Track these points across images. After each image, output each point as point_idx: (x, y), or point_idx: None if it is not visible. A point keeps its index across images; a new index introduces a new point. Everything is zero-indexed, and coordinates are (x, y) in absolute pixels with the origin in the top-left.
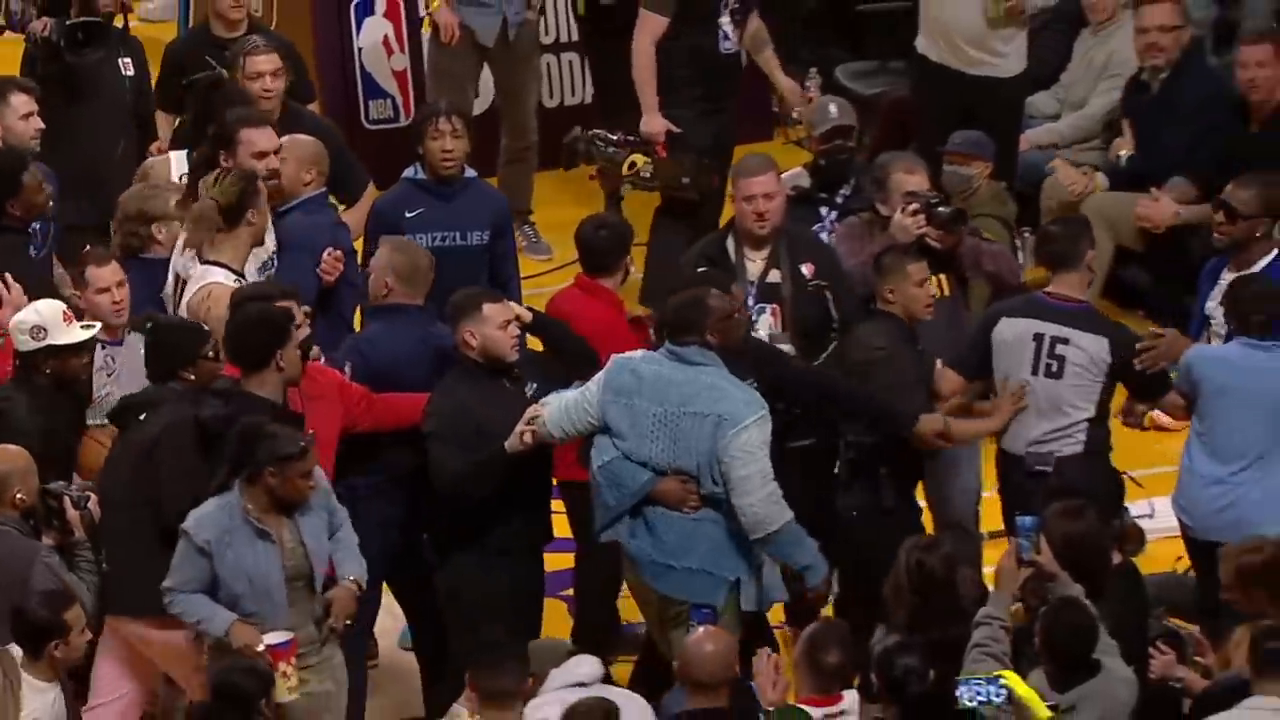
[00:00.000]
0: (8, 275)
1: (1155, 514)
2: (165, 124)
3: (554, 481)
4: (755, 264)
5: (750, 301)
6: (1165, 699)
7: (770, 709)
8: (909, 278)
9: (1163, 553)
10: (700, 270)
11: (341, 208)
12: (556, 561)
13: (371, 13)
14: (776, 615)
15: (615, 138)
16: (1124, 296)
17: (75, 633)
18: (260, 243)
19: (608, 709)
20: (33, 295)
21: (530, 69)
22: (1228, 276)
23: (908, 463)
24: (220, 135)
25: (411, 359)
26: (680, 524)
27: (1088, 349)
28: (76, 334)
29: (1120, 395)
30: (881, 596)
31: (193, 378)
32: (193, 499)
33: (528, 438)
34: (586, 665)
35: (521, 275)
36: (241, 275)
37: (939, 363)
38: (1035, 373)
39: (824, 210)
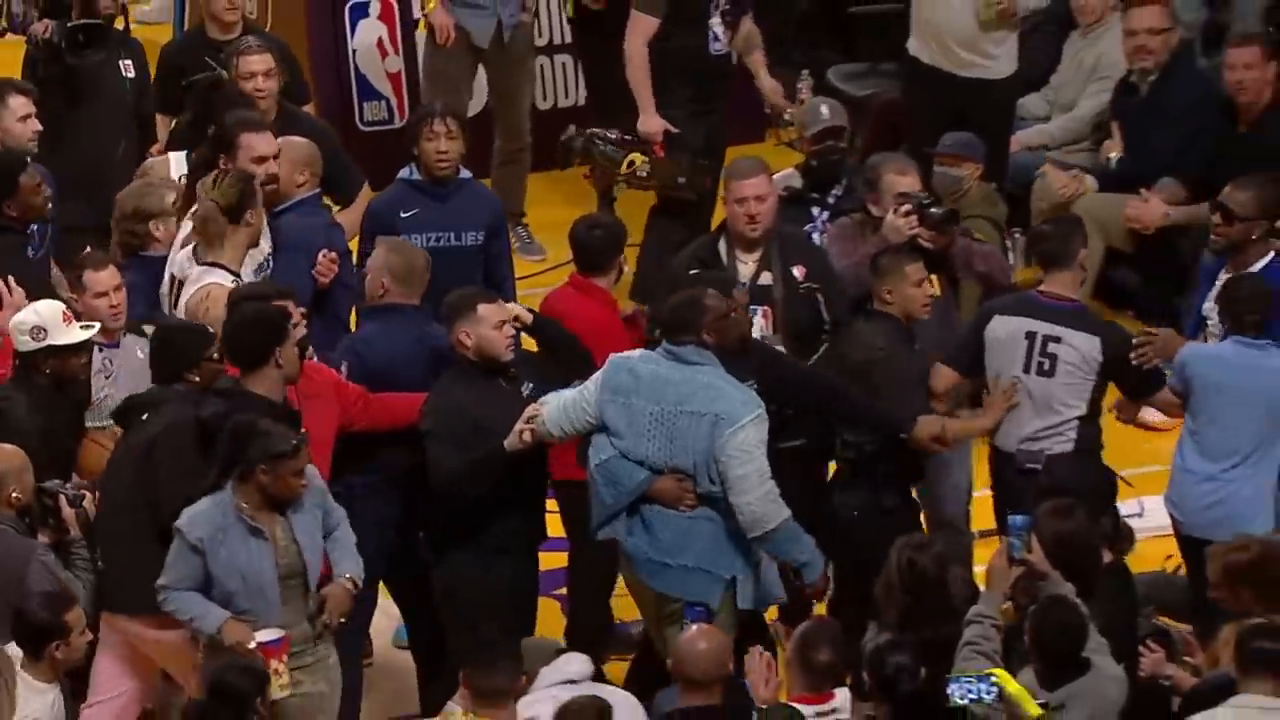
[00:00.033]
0: (11, 279)
1: (1145, 513)
2: (164, 126)
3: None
4: (747, 266)
5: None
6: (1155, 697)
7: (763, 707)
8: (907, 278)
9: (1152, 552)
10: (704, 273)
11: (336, 208)
12: (550, 560)
13: (366, 15)
14: (770, 613)
15: (613, 136)
16: (1114, 297)
17: (75, 634)
18: (255, 244)
19: (601, 707)
20: (31, 296)
21: (525, 71)
22: (1225, 278)
23: (907, 463)
24: (220, 138)
25: (408, 359)
26: (676, 522)
27: (1080, 347)
28: (76, 334)
29: (1113, 394)
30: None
31: (197, 379)
32: (190, 500)
33: (527, 436)
34: (576, 663)
35: (516, 276)
36: (238, 276)
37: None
38: (1027, 371)
39: (816, 210)
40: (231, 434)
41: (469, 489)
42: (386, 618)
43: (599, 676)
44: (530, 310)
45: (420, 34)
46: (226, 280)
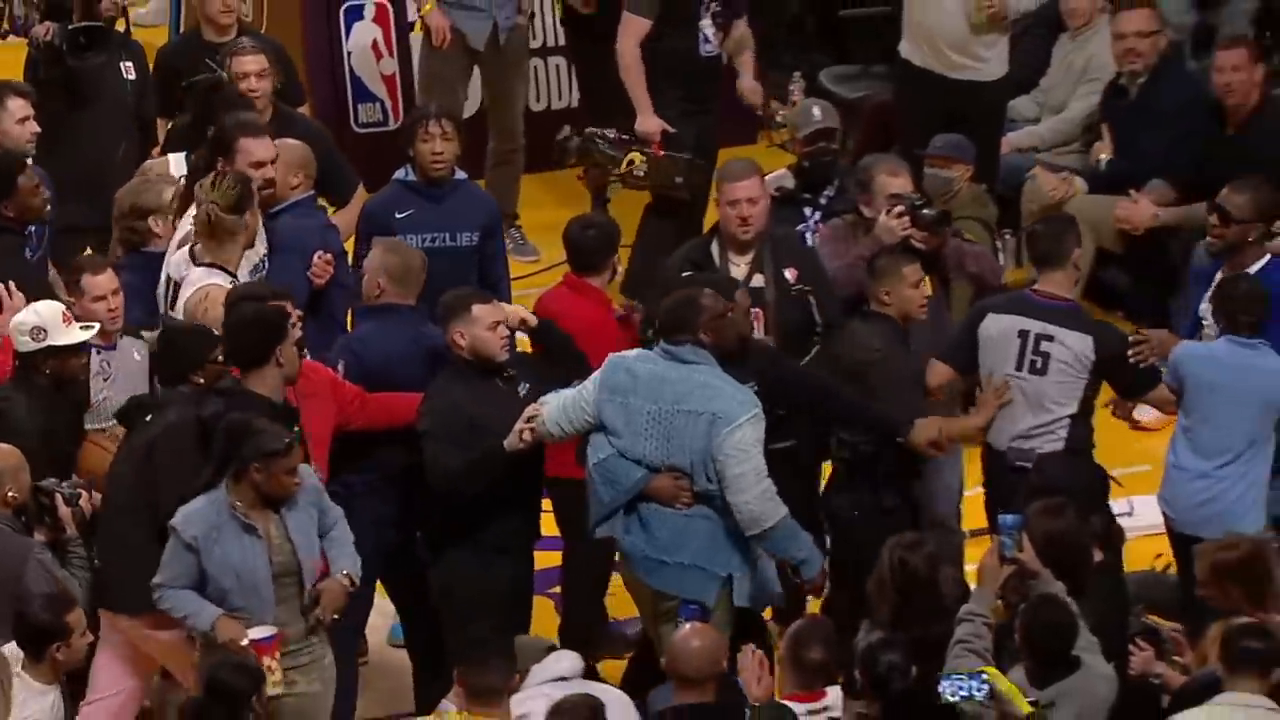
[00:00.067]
0: (12, 284)
1: (1134, 512)
2: (163, 129)
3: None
4: (740, 268)
5: None
6: (1145, 695)
7: (755, 704)
8: (905, 280)
9: (1142, 550)
10: (708, 275)
11: (331, 209)
12: (544, 559)
13: (361, 18)
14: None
15: (611, 136)
16: (1104, 297)
17: (77, 635)
18: (251, 245)
19: (593, 705)
20: (30, 297)
21: (520, 73)
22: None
23: (905, 462)
24: (218, 141)
25: (404, 358)
26: (673, 520)
27: (1072, 346)
28: (76, 335)
29: (1108, 391)
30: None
31: (201, 381)
32: (188, 500)
33: (527, 436)
34: (567, 660)
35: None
36: (235, 277)
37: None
38: (1019, 369)
39: (808, 211)
40: (225, 432)
41: (467, 487)
42: (381, 616)
43: (591, 674)
44: (540, 319)
45: (415, 36)
46: (225, 281)
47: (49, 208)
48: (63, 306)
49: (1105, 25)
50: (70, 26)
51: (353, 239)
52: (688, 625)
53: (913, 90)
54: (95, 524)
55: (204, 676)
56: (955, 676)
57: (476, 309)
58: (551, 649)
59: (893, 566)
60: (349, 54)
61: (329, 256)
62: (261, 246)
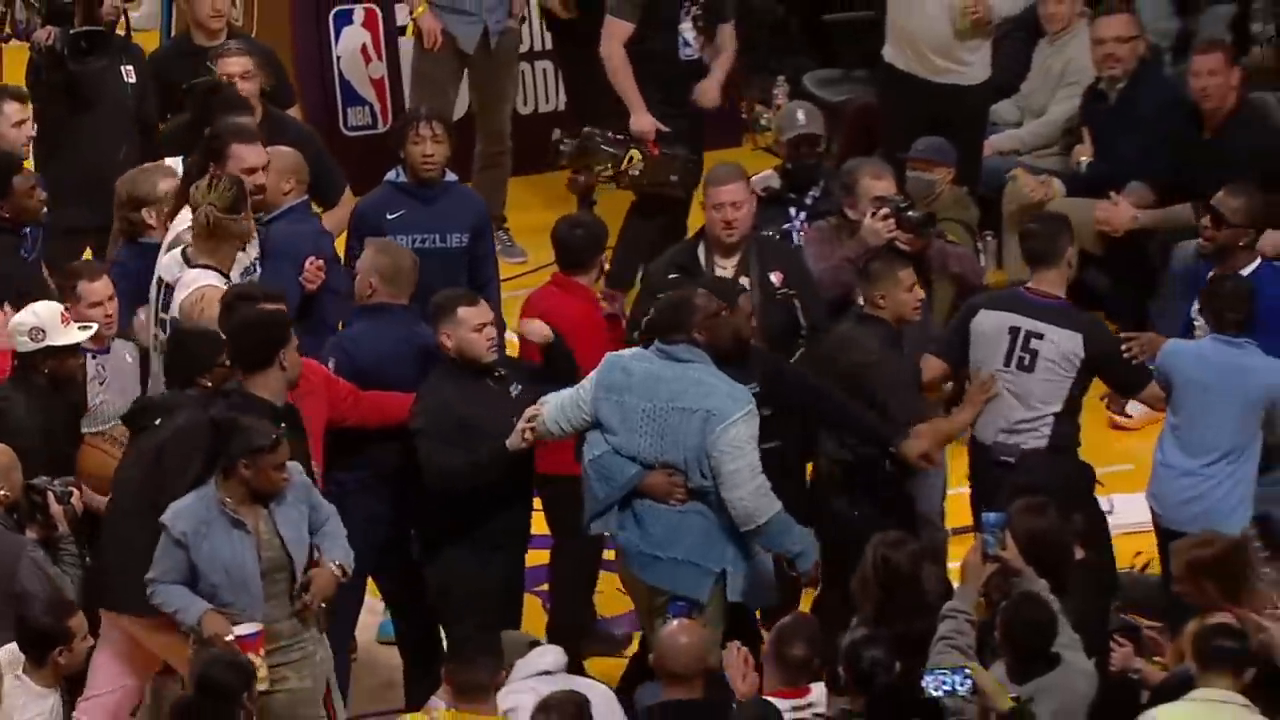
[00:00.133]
0: (6, 306)
1: (1115, 511)
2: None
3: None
4: (725, 271)
5: None
6: (1125, 691)
7: (740, 701)
8: (900, 283)
9: (1122, 549)
10: (710, 278)
11: (318, 210)
12: (532, 557)
13: (350, 22)
14: None
15: (608, 135)
16: (1084, 299)
17: (78, 640)
18: (243, 246)
19: (579, 702)
20: (28, 297)
21: (509, 77)
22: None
23: (903, 465)
24: (211, 146)
25: (395, 357)
26: (667, 516)
27: (1061, 344)
28: (74, 335)
29: (1098, 388)
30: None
31: (209, 384)
32: None
33: (528, 435)
34: (550, 655)
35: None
36: (228, 278)
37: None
38: (1008, 365)
39: (793, 211)
40: (214, 429)
41: (463, 486)
42: (370, 613)
43: (576, 670)
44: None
45: (405, 40)
46: (220, 282)
47: (44, 209)
48: (60, 307)
49: (1083, 30)
50: (71, 30)
51: (343, 238)
52: (675, 622)
53: (896, 94)
54: (90, 523)
55: (195, 674)
56: (938, 672)
57: (462, 311)
58: (535, 644)
59: (876, 563)
60: (338, 58)
61: (320, 262)
62: (253, 249)
